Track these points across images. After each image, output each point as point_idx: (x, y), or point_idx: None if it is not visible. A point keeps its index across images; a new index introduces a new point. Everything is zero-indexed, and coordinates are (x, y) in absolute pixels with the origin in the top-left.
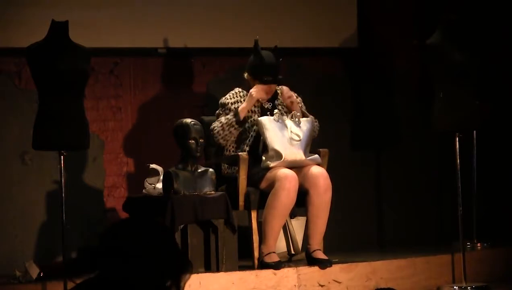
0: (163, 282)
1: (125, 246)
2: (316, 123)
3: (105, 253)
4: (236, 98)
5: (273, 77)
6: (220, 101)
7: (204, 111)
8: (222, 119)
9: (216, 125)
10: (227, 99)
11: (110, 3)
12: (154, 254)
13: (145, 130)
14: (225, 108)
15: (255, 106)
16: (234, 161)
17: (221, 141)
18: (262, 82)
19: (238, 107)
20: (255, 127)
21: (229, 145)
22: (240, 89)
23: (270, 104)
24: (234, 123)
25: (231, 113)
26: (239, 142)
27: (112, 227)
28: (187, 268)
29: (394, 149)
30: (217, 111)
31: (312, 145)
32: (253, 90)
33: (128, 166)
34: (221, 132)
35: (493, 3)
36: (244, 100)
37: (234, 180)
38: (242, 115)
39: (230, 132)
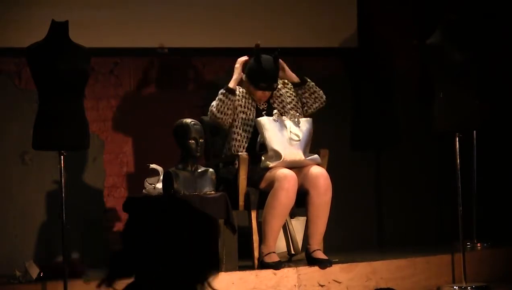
0: (194, 280)
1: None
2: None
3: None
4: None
5: (268, 85)
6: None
7: (204, 111)
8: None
9: (213, 102)
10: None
11: (110, 3)
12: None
13: (145, 130)
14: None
15: (250, 107)
16: (233, 161)
17: (217, 115)
18: (258, 88)
19: (241, 104)
20: (250, 128)
21: (228, 143)
22: (242, 89)
23: (265, 105)
24: (226, 93)
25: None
26: (235, 142)
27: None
28: (217, 266)
29: (394, 149)
30: None
31: (312, 145)
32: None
33: (128, 166)
34: (215, 104)
35: (493, 3)
36: (245, 100)
37: (231, 180)
38: (232, 85)
39: (223, 102)
